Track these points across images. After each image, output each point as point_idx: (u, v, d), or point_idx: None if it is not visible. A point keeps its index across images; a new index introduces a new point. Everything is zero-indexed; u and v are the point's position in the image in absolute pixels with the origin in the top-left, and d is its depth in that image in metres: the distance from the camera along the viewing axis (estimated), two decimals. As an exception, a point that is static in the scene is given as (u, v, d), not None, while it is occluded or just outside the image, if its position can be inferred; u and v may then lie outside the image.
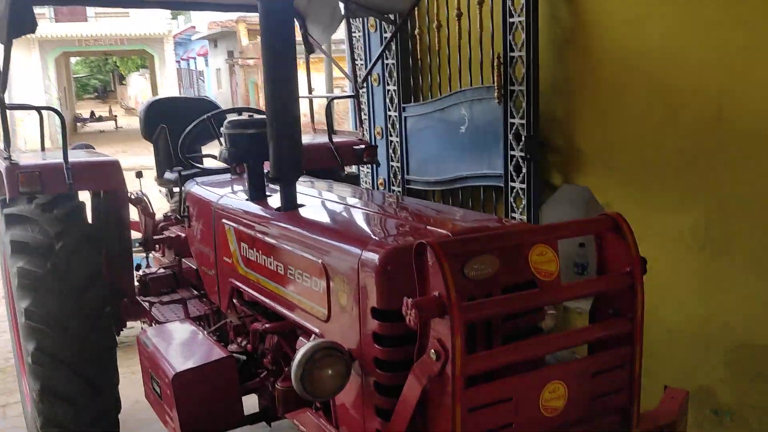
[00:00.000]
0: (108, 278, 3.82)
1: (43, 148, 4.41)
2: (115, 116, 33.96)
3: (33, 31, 3.33)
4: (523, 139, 4.08)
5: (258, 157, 3.00)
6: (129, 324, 4.50)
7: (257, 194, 3.04)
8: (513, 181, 4.24)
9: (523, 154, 4.11)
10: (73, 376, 3.50)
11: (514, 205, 4.27)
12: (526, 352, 1.93)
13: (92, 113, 34.60)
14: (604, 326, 2.03)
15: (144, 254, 4.69)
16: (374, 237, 2.22)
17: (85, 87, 53.33)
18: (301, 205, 2.80)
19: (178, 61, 34.65)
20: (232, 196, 3.21)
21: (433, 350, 1.76)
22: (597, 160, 3.90)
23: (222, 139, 3.18)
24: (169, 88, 27.16)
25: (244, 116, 3.20)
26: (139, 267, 4.47)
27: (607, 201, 3.81)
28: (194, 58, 37.04)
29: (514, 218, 4.29)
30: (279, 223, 2.67)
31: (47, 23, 24.08)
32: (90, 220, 4.03)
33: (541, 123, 4.07)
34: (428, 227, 2.26)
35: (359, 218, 2.66)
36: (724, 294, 3.26)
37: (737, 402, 3.27)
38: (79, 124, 32.50)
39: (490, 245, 1.93)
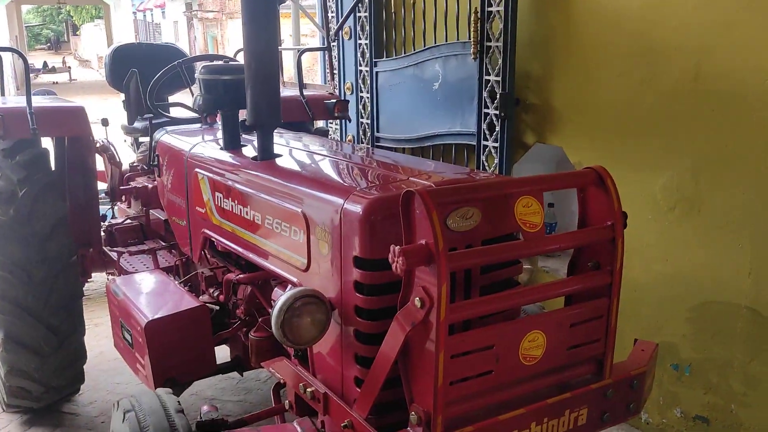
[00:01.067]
0: (73, 228, 3.72)
1: (2, 93, 4.22)
2: (69, 67, 32.71)
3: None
4: (498, 96, 4.07)
5: (233, 105, 2.92)
6: (92, 276, 4.40)
7: (232, 143, 2.97)
8: (486, 139, 4.24)
9: (497, 112, 4.10)
10: (38, 325, 3.44)
11: (485, 163, 4.28)
12: (507, 302, 1.95)
13: (45, 64, 33.25)
14: (585, 278, 2.06)
15: (109, 205, 4.57)
16: (357, 187, 2.19)
17: (38, 37, 51.15)
18: (278, 155, 2.74)
19: (134, 12, 33.36)
20: (205, 146, 3.13)
21: (417, 298, 1.76)
22: (571, 120, 3.91)
23: (193, 87, 3.08)
24: (125, 40, 26.21)
25: (219, 63, 3.10)
26: (104, 218, 4.35)
27: (580, 160, 3.84)
28: (151, 10, 35.72)
29: (484, 171, 4.30)
30: (256, 173, 2.62)
31: (-3, -35, 22.83)
32: (53, 168, 3.90)
33: (517, 81, 4.05)
34: (411, 178, 2.25)
35: (339, 168, 2.63)
36: (691, 253, 3.34)
37: (698, 357, 3.39)
38: (31, 75, 31.18)
39: (476, 195, 1.93)
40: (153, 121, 3.42)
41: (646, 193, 3.49)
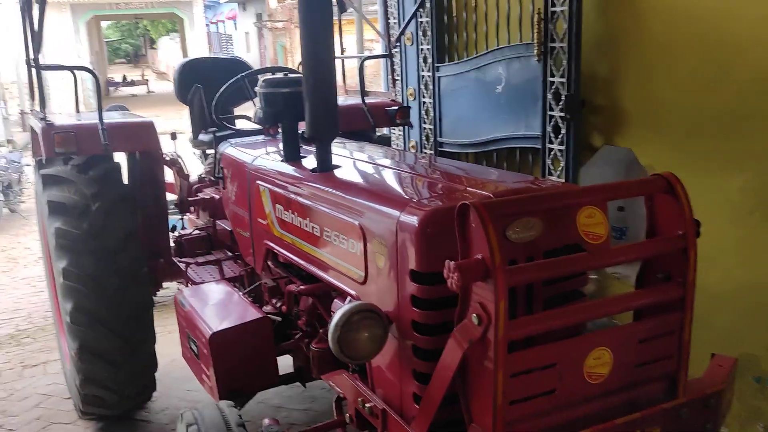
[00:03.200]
0: (144, 239, 3.84)
1: (77, 110, 4.42)
2: (147, 80, 34.19)
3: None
4: (563, 98, 3.94)
5: (293, 117, 2.94)
6: (164, 284, 4.55)
7: (292, 155, 2.99)
8: (551, 142, 4.11)
9: (562, 114, 3.97)
10: (111, 334, 3.55)
11: (551, 167, 4.15)
12: (571, 318, 1.87)
13: (124, 77, 34.92)
14: (655, 291, 1.95)
15: (179, 216, 4.71)
16: (413, 198, 2.16)
17: (117, 51, 53.71)
18: (336, 166, 2.74)
19: (207, 25, 34.52)
20: (267, 158, 3.17)
21: (474, 314, 1.71)
22: (640, 121, 3.74)
23: (256, 100, 3.13)
24: (199, 52, 27.16)
25: (279, 75, 3.13)
26: (174, 228, 4.49)
27: (650, 163, 3.67)
28: (223, 22, 36.90)
29: (548, 179, 4.17)
30: (315, 185, 2.63)
31: (78, -14, 24.16)
32: (126, 182, 4.05)
33: (582, 81, 3.91)
34: (469, 189, 2.19)
35: (396, 179, 2.60)
36: (773, 260, 3.13)
37: (783, 370, 3.17)
38: (111, 88, 32.82)
39: (536, 207, 1.86)
40: (218, 134, 3.49)
41: (722, 197, 3.29)
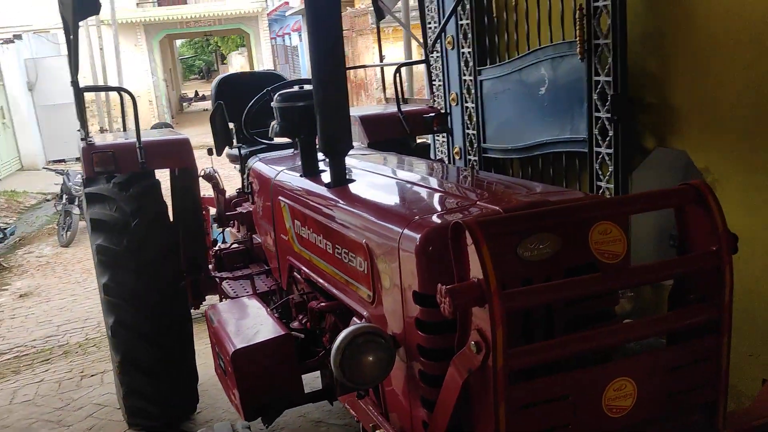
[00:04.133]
0: (183, 254, 3.88)
1: (124, 129, 4.52)
2: (217, 94, 35.22)
3: (97, 13, 3.37)
4: (609, 98, 3.70)
5: (309, 131, 2.87)
6: (207, 297, 4.58)
7: (310, 169, 2.93)
8: (599, 145, 3.87)
9: (609, 115, 3.73)
10: (151, 348, 3.61)
11: (599, 172, 3.91)
12: (582, 345, 1.69)
13: (196, 93, 36.19)
14: (686, 313, 1.75)
15: (220, 230, 4.74)
16: (417, 214, 2.03)
17: (191, 68, 55.75)
18: (352, 180, 2.65)
19: (273, 38, 35.23)
20: (289, 173, 3.12)
21: (473, 342, 1.57)
22: (694, 120, 3.46)
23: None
24: (266, 65, 27.78)
25: (296, 89, 3.08)
26: (215, 242, 4.52)
27: (707, 165, 3.39)
28: (289, 34, 37.58)
29: (599, 188, 3.93)
30: (327, 200, 2.55)
31: (150, 7, 25.19)
32: (170, 197, 4.11)
33: (630, 80, 3.66)
34: (479, 203, 2.04)
35: (409, 194, 2.48)
36: None
37: None
38: (184, 104, 34.10)
39: (543, 223, 1.70)
40: (245, 150, 3.48)
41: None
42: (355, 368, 1.91)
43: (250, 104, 3.43)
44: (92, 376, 5.20)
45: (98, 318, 6.58)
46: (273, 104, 2.96)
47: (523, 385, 1.62)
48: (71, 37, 3.59)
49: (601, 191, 3.88)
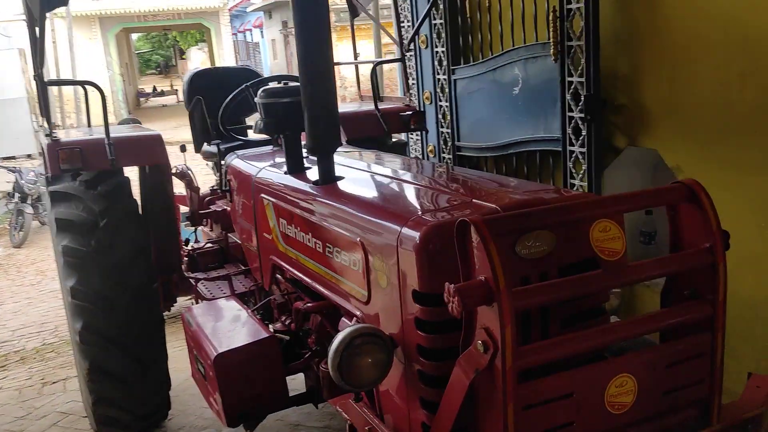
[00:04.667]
0: (155, 254, 3.76)
1: (89, 125, 4.37)
2: (176, 90, 34.55)
3: (65, 4, 3.23)
4: (582, 98, 3.75)
5: (294, 128, 2.82)
6: (181, 299, 4.47)
7: (295, 167, 2.88)
8: (572, 144, 3.93)
9: (582, 115, 3.79)
10: (121, 354, 3.48)
11: (573, 170, 3.96)
12: (589, 342, 1.70)
13: (154, 88, 35.38)
14: (681, 310, 1.78)
15: (193, 229, 4.64)
16: (415, 212, 2.02)
17: (148, 63, 54.49)
18: (340, 178, 2.61)
19: (234, 34, 34.74)
20: (271, 170, 3.06)
21: (480, 341, 1.56)
22: (665, 120, 3.54)
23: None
24: (227, 61, 27.37)
25: (280, 85, 3.02)
26: (188, 242, 4.41)
27: (678, 164, 3.47)
28: (250, 30, 37.12)
29: (573, 185, 3.99)
30: (316, 198, 2.51)
31: (106, 0, 24.49)
32: (139, 195, 3.98)
33: (602, 80, 3.72)
34: (475, 200, 2.04)
35: (401, 191, 2.46)
36: (815, 266, 2.91)
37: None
38: (142, 99, 33.31)
39: (544, 221, 1.70)
40: (222, 146, 3.40)
41: (754, 198, 3.08)
42: (354, 370, 1.88)
43: (227, 100, 3.36)
44: (54, 383, 5.01)
45: (55, 322, 6.36)
46: (257, 100, 2.90)
47: (531, 384, 1.62)
48: (36, 28, 3.43)
49: (575, 189, 3.94)
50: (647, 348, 1.79)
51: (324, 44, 2.38)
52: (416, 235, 1.84)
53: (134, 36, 41.14)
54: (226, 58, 27.86)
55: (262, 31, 34.59)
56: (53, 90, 18.17)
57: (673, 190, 1.77)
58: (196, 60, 42.45)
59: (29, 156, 16.43)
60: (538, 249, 1.79)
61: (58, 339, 5.96)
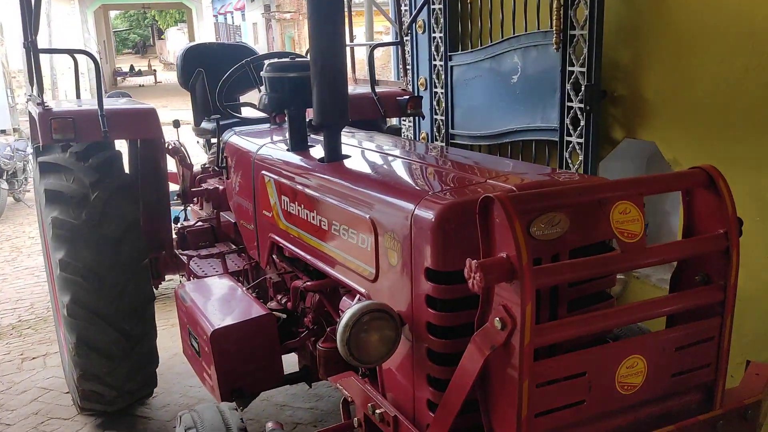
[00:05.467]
0: (145, 230, 3.70)
1: (78, 96, 4.27)
2: (155, 70, 34.11)
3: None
4: (582, 88, 3.77)
5: (300, 104, 2.78)
6: (167, 277, 4.41)
7: (299, 144, 2.84)
8: (569, 135, 3.94)
9: (582, 105, 3.80)
10: (109, 329, 3.42)
11: (569, 160, 3.98)
12: (602, 323, 1.71)
13: (132, 67, 34.85)
14: (693, 295, 1.79)
15: (182, 207, 4.57)
16: (429, 191, 2.00)
17: (125, 41, 53.62)
18: (346, 156, 2.59)
19: (215, 15, 34.30)
20: (272, 147, 3.02)
21: (498, 318, 1.56)
22: (665, 113, 3.56)
23: (262, 86, 2.98)
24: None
25: (286, 60, 2.97)
26: (177, 220, 4.34)
27: (675, 157, 3.50)
28: (231, 12, 36.68)
29: (570, 171, 4.00)
30: (323, 175, 2.48)
31: (86, -25, 24.02)
32: (127, 170, 3.90)
33: (603, 71, 3.74)
34: (489, 181, 2.03)
35: (411, 171, 2.44)
36: (807, 260, 2.96)
37: (816, 377, 2.99)
38: (119, 78, 32.77)
39: (565, 201, 1.70)
40: (221, 122, 3.34)
41: (752, 194, 3.12)
42: (362, 346, 1.87)
43: (226, 75, 3.29)
44: (33, 359, 4.92)
45: (31, 299, 6.25)
46: (263, 74, 2.84)
47: (546, 361, 1.62)
48: None
49: (571, 179, 3.95)
50: (660, 331, 1.80)
51: (337, 18, 2.35)
52: (431, 213, 1.82)
53: (112, 14, 40.37)
54: (207, 39, 27.54)
55: (243, 14, 34.21)
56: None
57: (692, 174, 1.78)
58: (175, 40, 41.83)
59: (3, 131, 16.05)
60: (552, 230, 1.79)
61: (34, 316, 5.85)
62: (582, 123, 3.84)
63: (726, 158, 3.20)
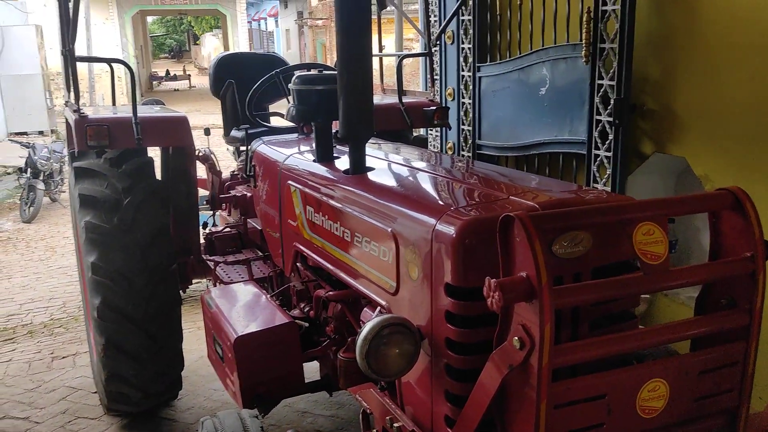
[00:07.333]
0: (174, 236, 3.77)
1: (114, 103, 4.37)
2: (189, 75, 34.66)
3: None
4: (611, 102, 3.73)
5: (326, 116, 2.81)
6: (194, 281, 4.48)
7: (325, 155, 2.87)
8: (597, 148, 3.91)
9: (610, 119, 3.77)
10: (137, 331, 3.49)
11: (597, 174, 3.95)
12: (623, 345, 1.69)
13: (167, 72, 35.45)
14: (718, 318, 1.76)
15: (210, 212, 4.64)
16: (451, 206, 2.01)
17: (161, 46, 54.66)
18: (370, 169, 2.60)
19: (249, 22, 34.75)
20: (299, 157, 3.06)
21: (516, 337, 1.56)
22: (696, 128, 3.51)
23: (290, 97, 3.02)
24: (241, 48, 27.36)
25: (314, 72, 3.01)
26: (205, 225, 4.41)
27: (705, 173, 3.45)
28: (265, 19, 37.17)
29: (596, 189, 3.97)
30: (347, 187, 2.50)
31: (124, -19, 24.54)
32: (159, 177, 3.98)
33: (633, 84, 3.70)
34: (512, 197, 2.03)
35: (434, 185, 2.45)
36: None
37: None
38: (154, 82, 33.39)
39: (587, 221, 1.69)
40: (250, 131, 3.39)
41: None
42: (382, 359, 1.88)
43: (256, 86, 3.35)
44: (63, 358, 5.03)
45: (63, 298, 6.38)
46: (291, 86, 2.89)
47: (565, 383, 1.61)
48: (70, 3, 3.43)
49: (598, 194, 3.92)
50: (684, 355, 1.78)
51: (364, 31, 2.37)
52: (453, 229, 1.83)
53: (149, 19, 41.20)
54: (241, 45, 27.89)
55: (276, 21, 34.63)
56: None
57: (718, 196, 1.76)
58: (210, 46, 42.47)
59: (41, 132, 16.48)
60: (575, 249, 1.78)
61: (66, 315, 5.98)
62: (611, 137, 3.80)
63: (757, 176, 3.14)
